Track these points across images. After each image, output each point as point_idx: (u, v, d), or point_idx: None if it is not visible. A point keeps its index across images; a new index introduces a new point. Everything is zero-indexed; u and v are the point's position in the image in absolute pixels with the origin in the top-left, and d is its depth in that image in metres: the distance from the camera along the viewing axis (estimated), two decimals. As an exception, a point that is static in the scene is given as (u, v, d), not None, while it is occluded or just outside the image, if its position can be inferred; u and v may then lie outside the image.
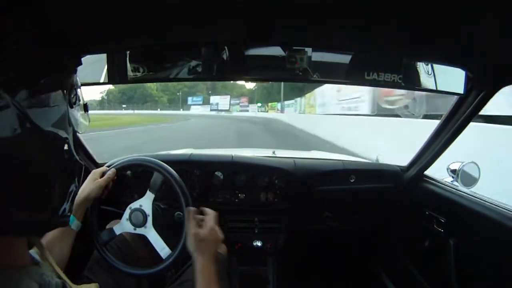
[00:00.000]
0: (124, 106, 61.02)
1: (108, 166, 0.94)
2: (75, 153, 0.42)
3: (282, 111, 29.19)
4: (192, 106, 58.00)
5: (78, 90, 0.42)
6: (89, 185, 0.85)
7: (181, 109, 57.28)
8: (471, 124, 1.00)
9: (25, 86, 0.33)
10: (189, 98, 60.64)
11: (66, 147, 0.39)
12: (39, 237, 0.46)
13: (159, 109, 55.97)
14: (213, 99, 53.55)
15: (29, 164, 0.34)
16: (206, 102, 55.70)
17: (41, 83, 0.36)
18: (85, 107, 0.46)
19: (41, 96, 0.35)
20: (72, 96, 0.41)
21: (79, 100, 0.42)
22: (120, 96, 64.51)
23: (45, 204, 0.37)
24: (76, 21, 0.59)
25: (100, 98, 65.97)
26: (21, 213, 0.34)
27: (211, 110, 51.34)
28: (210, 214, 0.83)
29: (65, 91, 0.39)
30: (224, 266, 1.05)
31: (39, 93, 0.35)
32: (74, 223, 0.79)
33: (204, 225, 0.80)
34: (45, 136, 0.36)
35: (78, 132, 0.44)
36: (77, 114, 0.42)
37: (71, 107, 0.40)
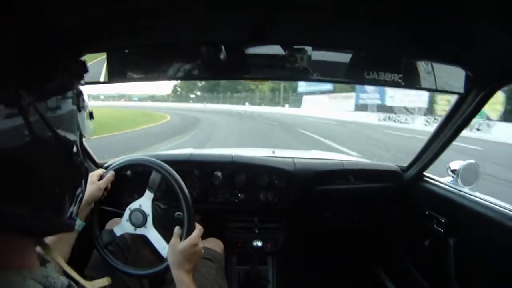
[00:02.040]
0: (192, 96, 41.40)
1: (106, 168, 0.94)
2: (82, 156, 0.43)
3: None
4: (305, 97, 27.21)
5: (85, 96, 0.44)
6: (88, 188, 0.83)
7: (285, 104, 28.78)
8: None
9: (37, 89, 0.34)
10: (301, 83, 24.82)
11: (75, 149, 0.41)
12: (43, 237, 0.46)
13: (247, 104, 31.03)
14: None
15: (41, 165, 0.35)
16: (340, 87, 22.57)
17: (52, 86, 0.37)
18: (91, 115, 0.48)
19: (54, 99, 0.37)
20: (80, 100, 0.43)
21: (86, 106, 0.45)
22: (200, 86, 42.21)
23: (54, 206, 0.38)
24: (76, 20, 0.59)
25: (172, 88, 47.72)
26: (29, 213, 0.34)
27: (357, 109, 20.64)
28: (196, 229, 0.82)
29: (74, 95, 0.41)
30: (221, 265, 1.05)
31: (51, 95, 0.36)
32: (77, 223, 0.78)
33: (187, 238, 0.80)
34: (58, 138, 0.37)
35: (84, 137, 0.45)
36: (83, 118, 0.44)
37: (79, 111, 0.42)
